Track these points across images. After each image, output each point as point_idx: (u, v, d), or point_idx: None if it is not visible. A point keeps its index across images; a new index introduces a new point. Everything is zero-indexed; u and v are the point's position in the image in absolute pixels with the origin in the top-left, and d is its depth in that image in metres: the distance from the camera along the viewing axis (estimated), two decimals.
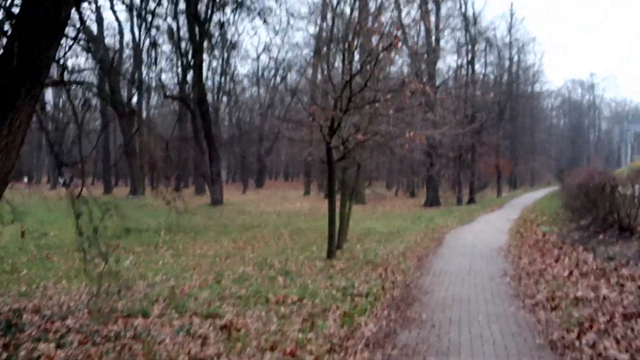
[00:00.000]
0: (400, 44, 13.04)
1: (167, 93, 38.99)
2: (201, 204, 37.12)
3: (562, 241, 11.35)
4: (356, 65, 12.11)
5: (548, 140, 74.92)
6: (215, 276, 10.65)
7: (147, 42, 43.18)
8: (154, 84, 46.03)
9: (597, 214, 10.92)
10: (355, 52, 14.08)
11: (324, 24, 41.57)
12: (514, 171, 52.20)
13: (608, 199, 9.83)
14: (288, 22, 58.28)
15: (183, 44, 38.90)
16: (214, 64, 54.52)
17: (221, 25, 43.74)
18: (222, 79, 59.13)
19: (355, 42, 11.07)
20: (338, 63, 13.67)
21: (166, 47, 44.48)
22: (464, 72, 40.00)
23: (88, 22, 40.67)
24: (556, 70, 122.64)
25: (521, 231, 16.08)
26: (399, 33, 17.57)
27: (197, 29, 33.21)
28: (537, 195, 42.49)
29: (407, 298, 7.34)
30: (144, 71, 44.61)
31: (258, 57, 78.02)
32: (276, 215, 30.40)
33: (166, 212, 31.96)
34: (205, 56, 40.71)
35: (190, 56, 37.51)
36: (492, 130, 39.05)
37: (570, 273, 8.06)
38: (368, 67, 11.11)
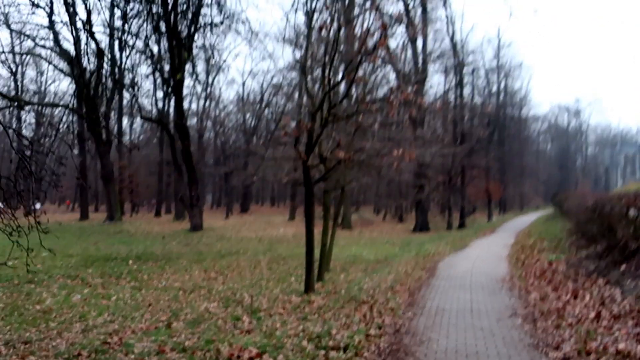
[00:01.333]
0: (385, 51, 11.64)
1: (144, 115, 37.18)
2: (180, 230, 35.33)
3: (575, 272, 9.83)
4: (338, 76, 10.64)
5: (536, 165, 74.18)
6: (169, 316, 8.97)
7: (127, 64, 41.84)
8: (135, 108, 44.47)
9: (615, 240, 9.43)
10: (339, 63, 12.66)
11: (310, 48, 40.48)
12: (504, 195, 51.01)
13: (632, 223, 8.37)
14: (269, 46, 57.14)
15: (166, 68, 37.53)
16: (199, 89, 53.30)
17: (204, 47, 42.60)
18: (207, 103, 57.91)
19: (335, 48, 9.68)
20: (319, 74, 12.41)
21: (147, 68, 43.19)
22: (451, 95, 39.04)
23: (65, 45, 39.48)
24: (542, 95, 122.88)
25: (522, 258, 14.57)
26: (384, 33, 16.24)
27: (175, 49, 31.76)
28: (529, 219, 41.17)
29: (397, 351, 5.73)
30: (125, 95, 43.12)
31: (243, 83, 77.51)
32: (257, 241, 28.70)
33: (142, 238, 30.50)
34: (189, 81, 39.40)
35: (169, 77, 36.03)
36: (482, 153, 37.86)
37: (598, 315, 6.52)
38: (351, 75, 9.64)
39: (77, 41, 38.63)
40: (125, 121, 62.36)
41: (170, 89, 34.73)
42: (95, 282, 14.59)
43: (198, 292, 12.23)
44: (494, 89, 46.56)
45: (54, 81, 77.88)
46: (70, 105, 45.61)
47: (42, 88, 55.53)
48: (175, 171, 38.32)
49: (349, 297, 9.04)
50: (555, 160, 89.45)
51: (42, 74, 55.14)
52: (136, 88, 36.67)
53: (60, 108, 51.23)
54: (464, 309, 8.08)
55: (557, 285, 9.18)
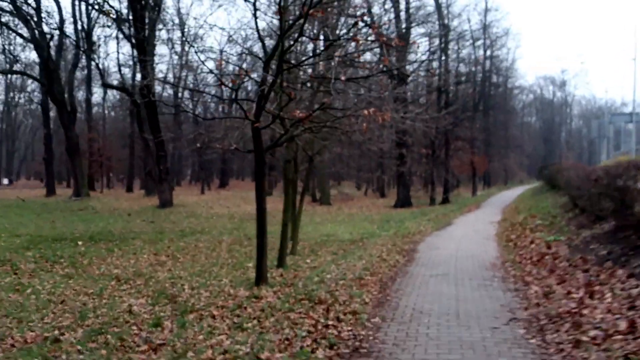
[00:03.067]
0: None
1: (105, 82, 34.58)
2: (148, 206, 33.23)
3: (583, 258, 8.04)
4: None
5: (521, 137, 72.69)
6: (73, 320, 7.04)
7: (89, 26, 38.90)
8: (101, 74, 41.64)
9: (630, 218, 7.65)
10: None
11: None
12: (488, 168, 49.47)
13: None
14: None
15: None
16: (175, 59, 50.38)
17: (179, 13, 39.84)
18: (183, 73, 55.07)
19: None
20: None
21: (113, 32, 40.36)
22: (435, 64, 36.93)
23: (26, 8, 36.41)
24: (528, 66, 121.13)
25: (512, 238, 12.81)
26: None
27: (139, 7, 29.16)
28: (514, 193, 39.71)
29: None
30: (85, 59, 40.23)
31: (221, 51, 74.23)
32: (228, 218, 26.79)
33: (106, 216, 28.43)
34: (163, 49, 36.68)
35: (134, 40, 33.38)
36: (467, 123, 36.00)
37: (632, 325, 4.71)
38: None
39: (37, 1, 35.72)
40: (98, 91, 59.59)
41: (135, 52, 32.22)
42: (26, 267, 12.67)
43: (133, 282, 10.32)
44: (480, 55, 44.50)
45: (23, 49, 73.98)
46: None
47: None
48: (143, 143, 36.06)
49: (304, 292, 7.17)
50: (539, 133, 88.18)
51: (10, 43, 51.52)
52: (99, 52, 33.90)
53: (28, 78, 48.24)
54: (447, 311, 6.25)
55: (562, 276, 7.39)
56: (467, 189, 46.25)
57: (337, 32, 12.40)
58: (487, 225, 17.69)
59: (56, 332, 6.39)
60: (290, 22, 7.94)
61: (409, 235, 15.08)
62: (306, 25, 8.12)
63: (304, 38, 8.88)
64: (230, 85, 7.52)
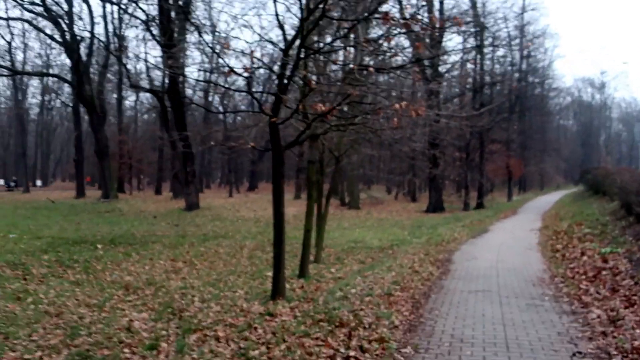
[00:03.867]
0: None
1: (133, 82, 34.31)
2: (175, 209, 32.80)
3: None
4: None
5: (558, 141, 70.11)
6: (62, 338, 6.23)
7: (120, 28, 38.79)
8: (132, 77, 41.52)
9: None
10: None
11: None
12: (524, 173, 47.58)
13: None
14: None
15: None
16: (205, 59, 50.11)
17: (209, 17, 39.26)
18: (213, 76, 54.69)
19: None
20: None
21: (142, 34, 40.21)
22: (470, 65, 35.46)
23: (55, 8, 36.49)
24: (566, 67, 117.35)
25: (559, 248, 11.60)
26: None
27: (166, 9, 28.71)
28: (552, 198, 37.95)
29: None
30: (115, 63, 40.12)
31: (252, 51, 73.90)
32: (253, 222, 26.03)
33: (131, 218, 28.06)
34: (194, 53, 36.20)
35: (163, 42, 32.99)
36: (503, 125, 34.45)
37: None
38: None
39: (69, 4, 35.73)
40: (132, 95, 59.72)
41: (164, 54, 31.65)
42: (37, 272, 12.03)
43: (142, 291, 9.52)
44: (517, 57, 42.75)
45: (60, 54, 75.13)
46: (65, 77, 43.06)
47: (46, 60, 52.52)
48: (170, 146, 35.66)
49: (324, 311, 6.21)
50: (577, 136, 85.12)
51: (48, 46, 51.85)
52: (127, 53, 33.64)
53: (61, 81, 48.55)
54: (493, 340, 5.21)
55: (629, 298, 6.26)
56: (501, 194, 44.54)
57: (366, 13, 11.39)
58: (527, 233, 16.44)
59: (38, 353, 5.58)
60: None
61: (442, 243, 13.98)
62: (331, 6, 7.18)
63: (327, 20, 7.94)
64: (244, 74, 6.61)
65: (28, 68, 45.30)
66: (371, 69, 7.51)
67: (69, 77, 42.67)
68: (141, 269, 12.52)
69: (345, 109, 9.40)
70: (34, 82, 59.24)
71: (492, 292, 7.58)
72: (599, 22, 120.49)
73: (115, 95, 51.56)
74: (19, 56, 49.55)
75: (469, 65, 35.44)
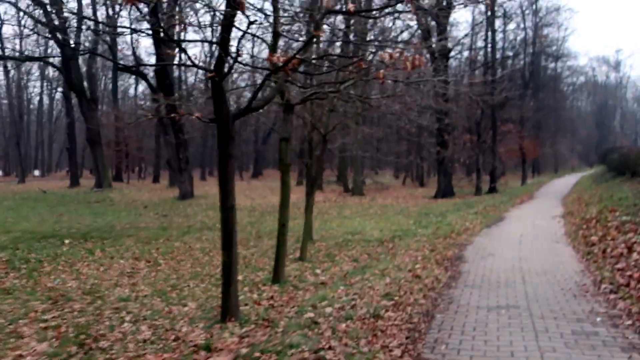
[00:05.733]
0: None
1: (119, 64, 32.20)
2: (169, 198, 30.92)
3: None
4: None
5: (572, 122, 67.29)
6: None
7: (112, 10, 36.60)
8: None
9: None
10: None
11: None
12: (538, 155, 45.20)
13: None
14: None
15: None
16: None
17: None
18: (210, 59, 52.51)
19: None
20: None
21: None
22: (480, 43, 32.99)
23: None
24: (580, 46, 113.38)
25: (594, 241, 9.46)
26: None
27: None
28: (569, 181, 35.67)
29: None
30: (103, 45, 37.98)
31: (253, 36, 71.62)
32: (249, 211, 24.08)
33: (121, 208, 26.27)
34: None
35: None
36: (517, 101, 32.04)
37: None
38: None
39: None
40: (131, 81, 57.48)
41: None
42: None
43: (70, 305, 7.51)
44: (530, 33, 40.08)
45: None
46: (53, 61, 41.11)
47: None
48: (162, 130, 33.66)
49: (277, 350, 4.19)
50: (592, 117, 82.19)
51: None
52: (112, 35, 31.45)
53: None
54: None
55: None
56: (514, 177, 42.24)
57: None
58: (549, 222, 14.31)
59: None
60: None
61: (452, 235, 11.89)
62: None
63: None
64: None
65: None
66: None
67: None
68: (95, 270, 10.57)
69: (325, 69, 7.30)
70: (35, 71, 57.48)
71: (519, 310, 5.50)
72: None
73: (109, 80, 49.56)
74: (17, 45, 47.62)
75: (479, 44, 33.11)
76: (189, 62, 5.50)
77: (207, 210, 24.55)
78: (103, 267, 10.86)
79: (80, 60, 38.39)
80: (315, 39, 5.82)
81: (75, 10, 34.67)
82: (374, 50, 7.37)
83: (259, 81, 6.81)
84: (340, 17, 10.91)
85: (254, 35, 5.87)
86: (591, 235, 10.10)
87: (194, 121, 32.39)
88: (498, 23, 31.97)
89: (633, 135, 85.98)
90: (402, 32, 23.43)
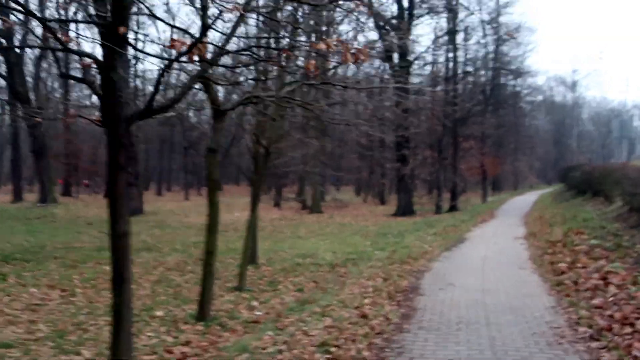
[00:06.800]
0: None
1: (62, 72, 30.38)
2: None
3: None
4: None
5: (531, 139, 68.07)
6: None
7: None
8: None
9: None
10: None
11: None
12: (500, 172, 45.09)
13: None
14: None
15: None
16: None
17: None
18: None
19: None
20: None
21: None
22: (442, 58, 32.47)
23: None
24: (541, 65, 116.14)
25: (563, 269, 8.51)
26: None
27: None
28: (529, 199, 35.47)
29: None
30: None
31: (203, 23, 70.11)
32: (198, 229, 22.51)
33: (62, 225, 24.41)
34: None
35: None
36: (478, 118, 31.62)
37: None
38: None
39: None
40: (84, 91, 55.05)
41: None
42: None
43: None
44: (491, 48, 39.96)
45: None
46: None
47: None
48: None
49: None
50: (549, 135, 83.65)
51: None
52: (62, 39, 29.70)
53: None
54: None
55: None
56: (475, 195, 41.88)
57: None
58: (512, 243, 13.45)
59: None
60: None
61: (409, 260, 10.82)
62: None
63: None
64: None
65: None
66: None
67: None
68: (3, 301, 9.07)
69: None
70: None
71: None
72: (574, 16, 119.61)
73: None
74: None
75: (442, 60, 32.62)
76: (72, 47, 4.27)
77: (154, 228, 23.08)
78: (9, 298, 9.36)
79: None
80: (241, 22, 4.65)
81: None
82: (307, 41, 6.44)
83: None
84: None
85: (152, 16, 4.70)
86: (559, 262, 9.18)
87: (148, 132, 30.65)
88: (460, 38, 31.61)
89: (588, 154, 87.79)
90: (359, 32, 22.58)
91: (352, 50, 4.17)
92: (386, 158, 30.21)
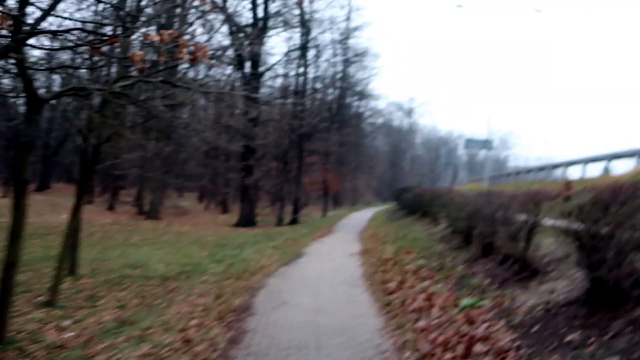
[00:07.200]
0: None
1: None
2: None
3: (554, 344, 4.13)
4: None
5: (371, 159, 72.27)
6: None
7: None
8: None
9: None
10: None
11: None
12: (341, 188, 46.93)
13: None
14: None
15: None
16: None
17: None
18: None
19: None
20: None
21: None
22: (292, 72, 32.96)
23: None
24: (383, 90, 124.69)
25: (392, 288, 8.75)
26: None
27: None
28: (365, 215, 37.25)
29: None
30: None
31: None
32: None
33: None
34: None
35: None
36: (323, 135, 32.52)
37: None
38: None
39: None
40: None
41: None
42: None
43: None
44: (339, 69, 41.65)
45: None
46: None
47: None
48: None
49: None
50: (387, 157, 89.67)
51: None
52: None
53: None
54: None
55: None
56: (317, 209, 43.05)
57: None
58: (347, 260, 13.74)
59: None
60: None
61: (245, 274, 10.46)
62: None
63: None
64: None
65: None
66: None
67: None
68: None
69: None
70: None
71: None
72: (414, 50, 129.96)
73: None
74: None
75: (292, 73, 33.09)
76: None
77: None
78: None
79: None
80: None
81: None
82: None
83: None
84: None
85: None
86: (389, 281, 9.45)
87: None
88: (311, 54, 32.38)
89: (419, 177, 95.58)
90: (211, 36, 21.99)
91: (191, 48, 3.72)
92: (231, 167, 29.65)
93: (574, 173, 30.00)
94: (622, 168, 26.46)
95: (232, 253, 15.23)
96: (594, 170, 28.76)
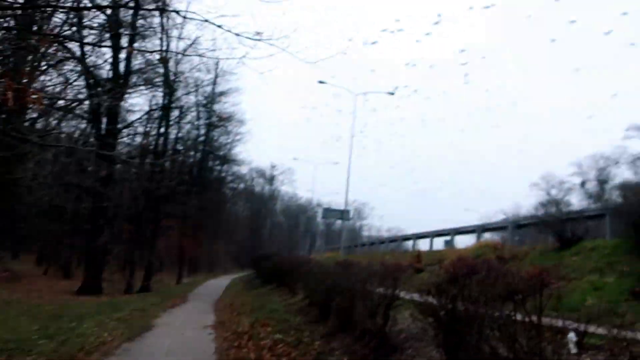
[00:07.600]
0: None
1: None
2: None
3: None
4: None
5: (230, 224, 71.19)
6: None
7: None
8: None
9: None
10: None
11: None
12: (197, 253, 45.24)
13: None
14: None
15: None
16: None
17: None
18: None
19: None
20: None
21: None
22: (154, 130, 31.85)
23: None
24: (243, 155, 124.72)
25: None
26: None
27: None
28: (221, 283, 36.11)
29: None
30: None
31: None
32: None
33: None
34: None
35: None
36: (182, 198, 31.37)
37: None
38: None
39: None
40: None
41: None
42: None
43: None
44: (202, 132, 41.09)
45: None
46: None
47: None
48: None
49: None
50: (247, 222, 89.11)
51: None
52: None
53: None
54: None
55: None
56: (171, 275, 40.83)
57: None
58: (200, 333, 12.85)
59: None
60: None
61: (80, 354, 9.21)
62: None
63: None
64: None
65: None
66: None
67: None
68: None
69: None
70: None
71: None
72: (276, 120, 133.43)
73: None
74: None
75: (153, 133, 31.93)
76: None
77: None
78: None
79: None
80: None
81: None
82: None
83: None
84: None
85: None
86: (244, 358, 8.87)
87: None
88: (174, 115, 31.61)
89: (278, 244, 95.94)
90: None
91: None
92: (77, 228, 27.21)
93: (422, 245, 31.98)
94: (463, 242, 28.83)
95: (69, 326, 13.51)
96: (440, 243, 30.98)
